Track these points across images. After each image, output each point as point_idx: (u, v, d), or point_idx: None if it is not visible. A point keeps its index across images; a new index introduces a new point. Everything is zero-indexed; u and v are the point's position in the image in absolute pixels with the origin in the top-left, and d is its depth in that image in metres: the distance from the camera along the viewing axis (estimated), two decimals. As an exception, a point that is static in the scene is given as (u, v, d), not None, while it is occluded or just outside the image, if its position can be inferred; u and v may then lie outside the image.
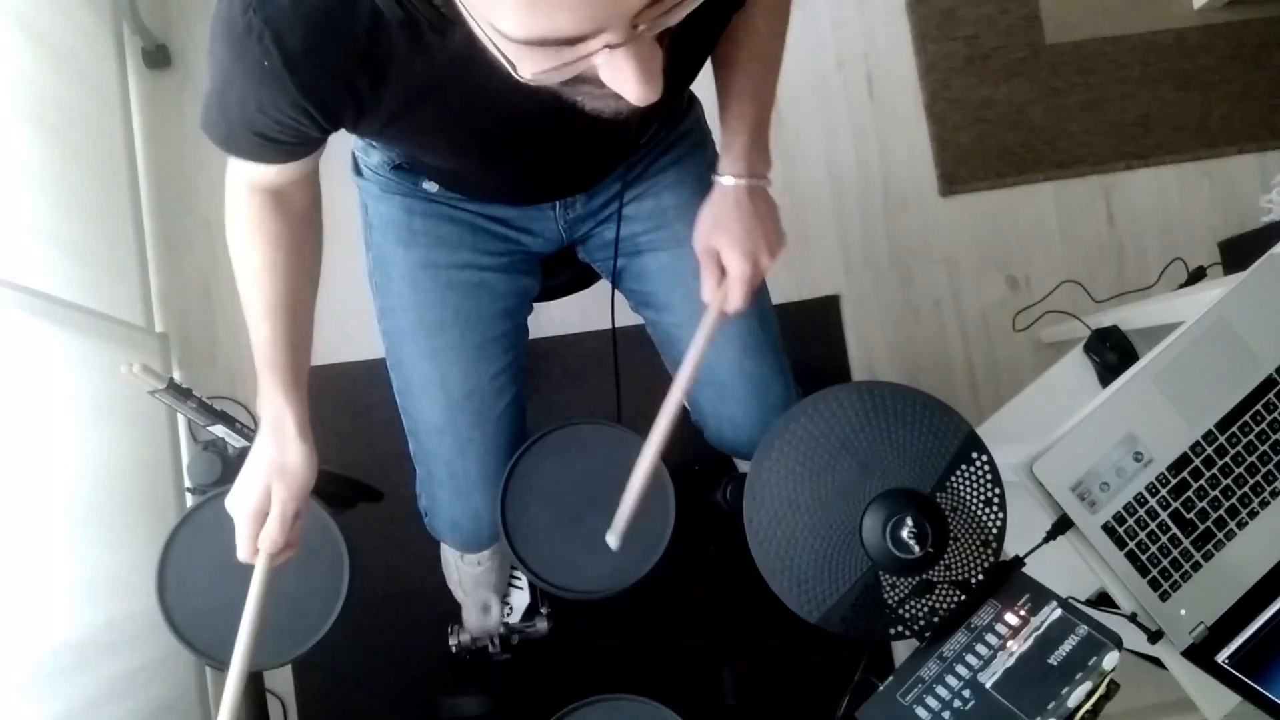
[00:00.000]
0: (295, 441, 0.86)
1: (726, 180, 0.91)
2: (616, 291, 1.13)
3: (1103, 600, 1.14)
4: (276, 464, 0.85)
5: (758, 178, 0.92)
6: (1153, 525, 1.06)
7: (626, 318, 1.16)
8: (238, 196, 0.85)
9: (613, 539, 0.83)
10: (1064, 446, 1.06)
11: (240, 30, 0.63)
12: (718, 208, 0.91)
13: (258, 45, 0.64)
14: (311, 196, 0.90)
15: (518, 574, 1.57)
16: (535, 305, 1.17)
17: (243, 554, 0.85)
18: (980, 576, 0.86)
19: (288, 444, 0.86)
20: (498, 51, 0.53)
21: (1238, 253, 1.83)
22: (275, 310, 0.86)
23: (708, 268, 0.90)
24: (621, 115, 0.62)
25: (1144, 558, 1.05)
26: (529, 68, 0.53)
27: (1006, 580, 0.87)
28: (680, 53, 0.81)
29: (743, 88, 0.92)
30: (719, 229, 0.90)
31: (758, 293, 1.09)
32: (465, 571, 1.50)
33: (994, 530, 0.86)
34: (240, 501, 0.85)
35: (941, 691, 0.81)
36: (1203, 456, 1.07)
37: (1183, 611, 1.05)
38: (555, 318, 1.73)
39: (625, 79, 0.54)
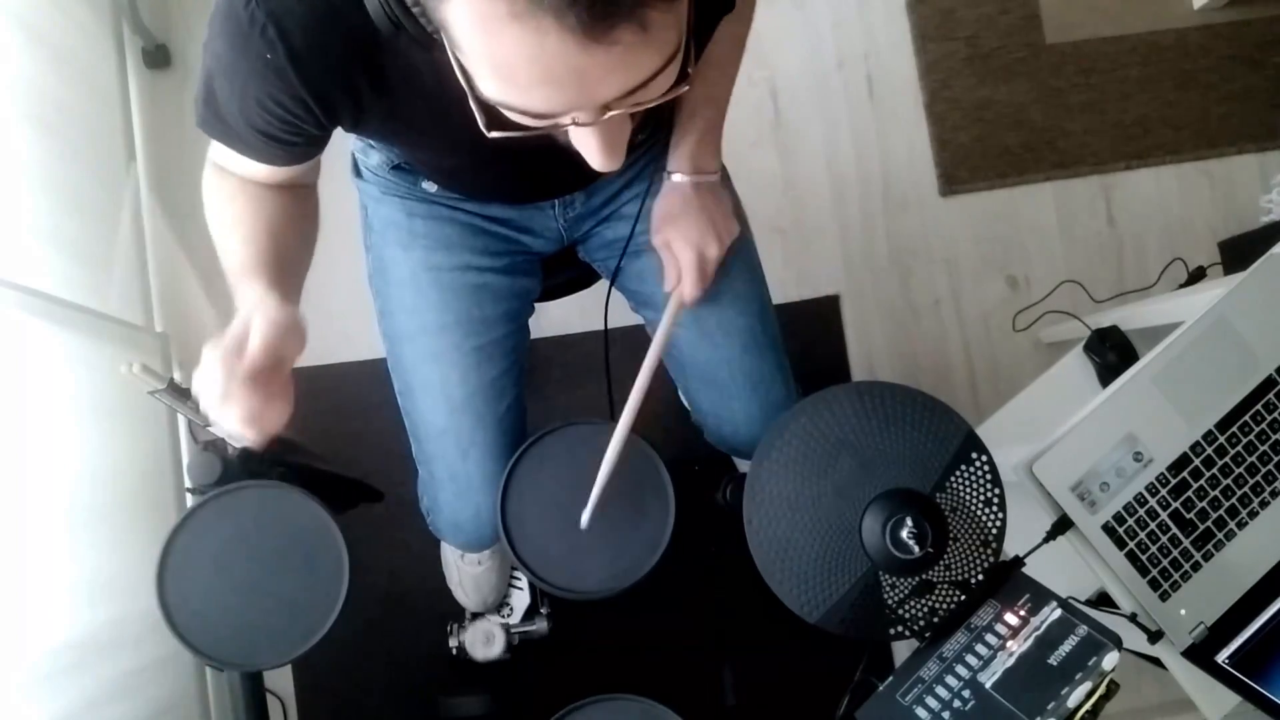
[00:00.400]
0: (279, 301, 0.76)
1: (675, 177, 0.97)
2: (616, 291, 1.13)
3: (1103, 600, 1.14)
4: (254, 307, 0.74)
5: (704, 174, 0.97)
6: (1153, 525, 1.06)
7: (627, 318, 1.16)
8: (215, 176, 0.83)
9: (585, 517, 0.86)
10: (1064, 446, 1.06)
11: (244, 24, 0.63)
12: (666, 202, 0.97)
13: (261, 39, 0.64)
14: (306, 193, 0.89)
15: (518, 574, 1.57)
16: (535, 305, 1.17)
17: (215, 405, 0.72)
18: (980, 576, 0.85)
19: (271, 303, 0.75)
20: (472, 100, 0.55)
21: (1238, 253, 1.83)
22: (259, 233, 0.79)
23: (667, 260, 0.96)
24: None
25: (1144, 558, 1.05)
26: (501, 116, 0.55)
27: (1006, 580, 0.86)
28: None
29: (697, 93, 0.95)
30: (668, 223, 0.96)
31: (757, 292, 1.09)
32: (466, 571, 1.50)
33: (994, 530, 0.86)
34: (211, 349, 0.73)
35: (941, 691, 0.81)
36: (1203, 456, 1.07)
37: (1183, 611, 1.05)
38: (555, 318, 1.73)
39: (588, 150, 0.57)
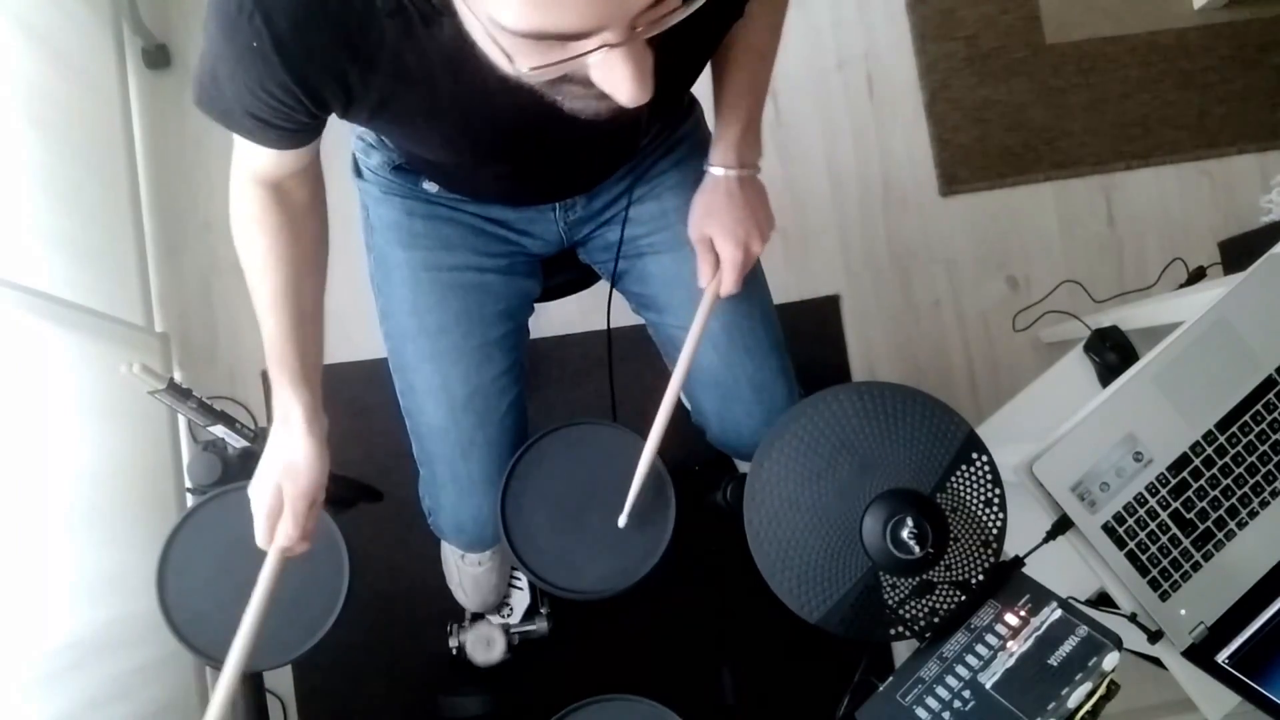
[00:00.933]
0: (303, 437, 0.87)
1: (717, 170, 0.96)
2: (616, 292, 1.13)
3: (1103, 600, 1.15)
4: (285, 463, 0.87)
5: (748, 167, 0.96)
6: (1153, 525, 1.06)
7: (626, 318, 1.16)
8: (240, 190, 0.86)
9: (622, 519, 0.91)
10: (1064, 446, 1.06)
11: (232, 10, 0.64)
12: (709, 197, 0.96)
13: (248, 25, 0.64)
14: (313, 190, 0.90)
15: (518, 574, 1.57)
16: (535, 306, 1.17)
17: (261, 543, 0.87)
18: (980, 577, 0.85)
19: (295, 441, 0.87)
20: (493, 44, 0.53)
21: (1238, 253, 1.83)
22: (278, 303, 0.87)
23: (702, 255, 0.95)
24: (600, 117, 0.62)
25: (1144, 558, 1.05)
26: (524, 62, 0.53)
27: (1006, 580, 0.87)
28: (682, 54, 0.81)
29: (738, 81, 0.94)
30: (711, 217, 0.94)
31: (760, 294, 1.09)
32: (466, 571, 1.50)
33: (994, 530, 0.86)
34: (256, 497, 0.87)
35: (941, 692, 0.81)
36: (1203, 456, 1.07)
37: (1183, 611, 1.05)
38: (555, 318, 1.73)
39: (619, 79, 0.55)
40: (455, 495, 1.11)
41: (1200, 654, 1.04)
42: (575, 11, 0.49)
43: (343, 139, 1.05)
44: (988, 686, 0.80)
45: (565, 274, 1.22)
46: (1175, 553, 1.06)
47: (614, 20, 0.50)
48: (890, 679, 0.84)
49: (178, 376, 1.69)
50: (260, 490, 0.87)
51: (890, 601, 0.85)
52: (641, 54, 0.55)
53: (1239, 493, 1.07)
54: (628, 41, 0.52)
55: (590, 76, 0.56)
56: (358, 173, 1.07)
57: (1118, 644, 0.78)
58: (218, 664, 0.93)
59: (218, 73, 0.71)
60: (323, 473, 0.89)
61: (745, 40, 0.91)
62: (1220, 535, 1.07)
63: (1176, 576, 1.05)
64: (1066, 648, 0.80)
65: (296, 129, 0.76)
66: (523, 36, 0.51)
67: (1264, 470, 1.07)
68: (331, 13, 0.65)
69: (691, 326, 0.93)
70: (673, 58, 0.57)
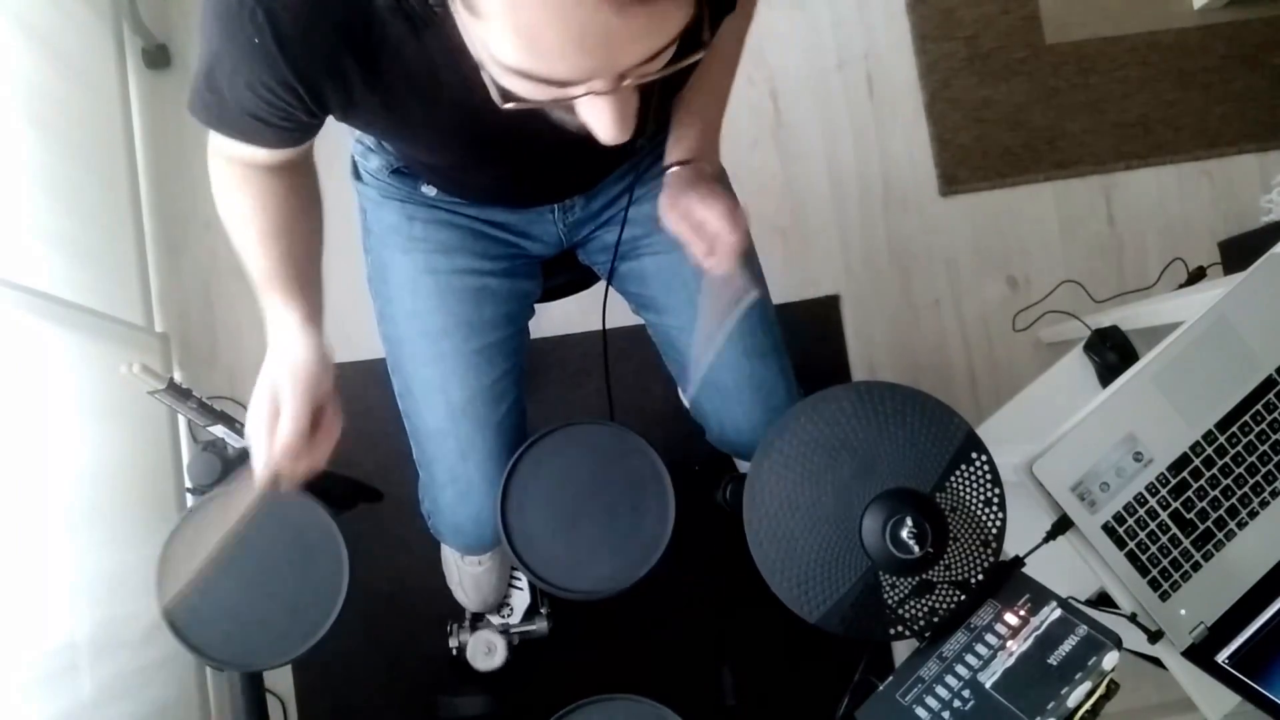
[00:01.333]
0: (300, 332, 0.80)
1: (677, 168, 0.90)
2: (615, 293, 1.13)
3: (1103, 600, 1.14)
4: (282, 362, 0.79)
5: (708, 163, 0.92)
6: (1153, 525, 1.06)
7: (625, 318, 1.16)
8: (221, 165, 0.83)
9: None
10: (1064, 446, 1.06)
11: (233, 6, 0.63)
12: (674, 185, 0.89)
13: (250, 22, 0.63)
14: (305, 168, 0.88)
15: (518, 574, 1.57)
16: (535, 307, 1.17)
17: (260, 473, 0.77)
18: (980, 576, 0.85)
19: (293, 338, 0.80)
20: (486, 73, 0.55)
21: (1238, 253, 1.83)
22: (272, 234, 0.82)
23: (690, 234, 0.85)
24: (584, 131, 0.63)
25: (1144, 558, 1.05)
26: (511, 89, 0.55)
27: (1006, 580, 0.87)
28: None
29: (700, 86, 0.92)
30: (681, 196, 0.86)
31: (759, 294, 1.09)
32: (466, 572, 1.50)
33: (994, 530, 0.86)
34: (251, 417, 0.78)
35: (941, 691, 0.81)
36: (1203, 456, 1.07)
37: (1183, 611, 1.05)
38: (554, 318, 1.73)
39: (600, 122, 0.57)
40: (454, 498, 1.11)
41: (1200, 654, 1.04)
42: (568, 64, 0.50)
43: (342, 142, 1.05)
44: (987, 686, 0.80)
45: (565, 275, 1.22)
46: (1175, 553, 1.06)
47: (604, 74, 0.52)
48: (890, 679, 0.84)
49: (178, 376, 1.68)
50: (254, 405, 0.78)
51: (890, 601, 0.85)
52: (626, 100, 0.56)
53: (1239, 493, 1.07)
54: (614, 91, 0.53)
55: (574, 107, 0.57)
56: (357, 175, 1.07)
57: (1117, 644, 0.78)
58: (217, 664, 0.94)
59: (216, 75, 0.70)
60: (325, 367, 0.80)
61: (712, 47, 0.91)
62: (1220, 535, 1.07)
63: (1176, 576, 1.05)
64: (1066, 647, 0.80)
65: (295, 128, 0.76)
66: (515, 73, 0.52)
67: (1264, 470, 1.07)
68: (334, 9, 0.65)
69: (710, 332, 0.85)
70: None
